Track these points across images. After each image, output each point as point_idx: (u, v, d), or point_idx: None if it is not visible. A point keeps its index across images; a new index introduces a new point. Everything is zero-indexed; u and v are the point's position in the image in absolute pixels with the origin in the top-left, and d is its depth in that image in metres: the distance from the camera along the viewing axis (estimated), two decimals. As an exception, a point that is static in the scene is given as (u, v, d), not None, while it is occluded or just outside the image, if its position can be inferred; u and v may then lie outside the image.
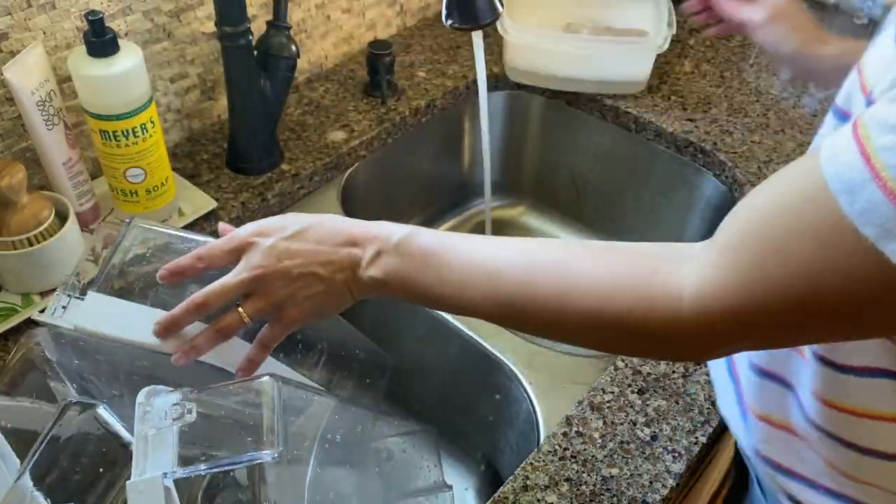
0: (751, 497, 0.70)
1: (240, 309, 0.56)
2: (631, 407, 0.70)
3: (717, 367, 0.66)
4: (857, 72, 0.45)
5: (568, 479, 0.65)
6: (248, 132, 0.91)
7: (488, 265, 0.51)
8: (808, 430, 0.55)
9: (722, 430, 0.70)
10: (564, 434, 0.68)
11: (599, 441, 0.67)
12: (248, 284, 0.55)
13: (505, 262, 0.50)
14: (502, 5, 0.79)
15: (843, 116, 0.47)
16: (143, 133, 0.78)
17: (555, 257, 0.50)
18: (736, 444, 0.71)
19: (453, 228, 1.23)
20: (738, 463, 0.74)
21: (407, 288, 0.54)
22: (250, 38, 0.84)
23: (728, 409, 0.64)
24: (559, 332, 0.51)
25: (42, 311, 0.62)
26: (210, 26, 0.93)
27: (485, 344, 0.80)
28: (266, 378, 0.54)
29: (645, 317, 0.45)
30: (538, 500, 0.63)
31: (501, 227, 1.24)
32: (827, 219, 0.38)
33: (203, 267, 0.57)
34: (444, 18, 0.78)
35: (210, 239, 0.63)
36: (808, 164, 0.40)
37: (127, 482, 0.49)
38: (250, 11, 0.88)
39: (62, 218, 0.77)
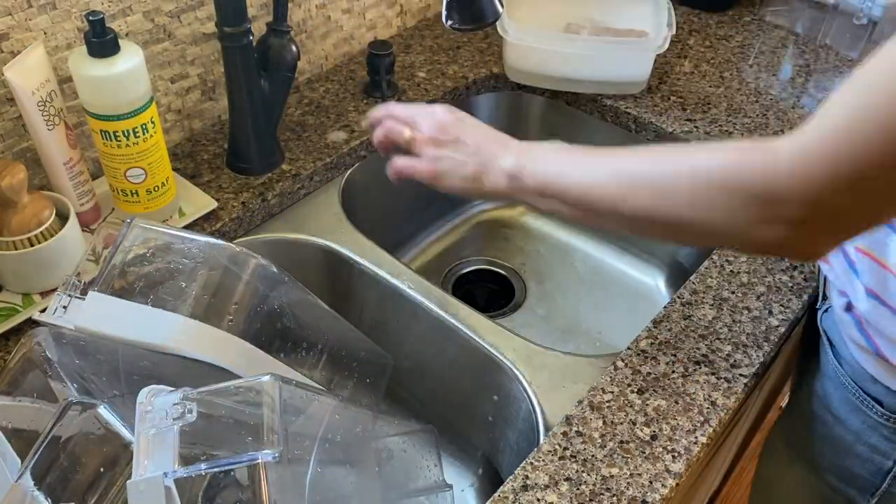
0: (823, 375, 0.76)
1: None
2: (631, 406, 0.70)
3: None
4: None
5: (568, 479, 0.65)
6: (249, 132, 0.91)
7: (594, 166, 0.58)
8: None
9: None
10: (564, 434, 0.68)
11: (599, 441, 0.67)
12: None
13: (610, 160, 0.58)
14: (502, 5, 0.79)
15: None
16: (143, 133, 0.79)
17: (661, 150, 0.56)
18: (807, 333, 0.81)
19: (453, 229, 1.23)
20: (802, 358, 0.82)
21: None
22: (251, 38, 0.84)
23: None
24: (662, 203, 0.55)
25: (43, 310, 0.62)
26: (210, 27, 0.94)
27: (485, 344, 0.80)
28: (266, 378, 0.54)
29: (742, 169, 0.49)
30: (538, 500, 0.63)
31: (501, 227, 1.24)
32: None
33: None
34: (444, 19, 0.78)
35: (211, 239, 0.64)
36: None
37: (127, 482, 0.49)
38: (250, 12, 0.88)
39: (63, 218, 0.77)
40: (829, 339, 0.75)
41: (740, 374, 0.73)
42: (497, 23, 1.00)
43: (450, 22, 0.78)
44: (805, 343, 0.83)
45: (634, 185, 0.55)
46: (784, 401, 0.97)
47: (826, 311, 0.76)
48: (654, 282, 1.16)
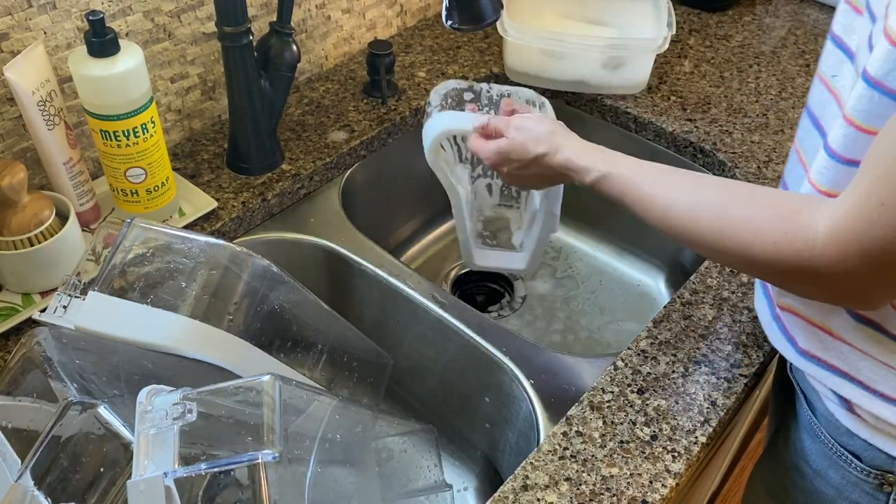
0: (799, 425, 0.73)
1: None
2: (631, 406, 0.70)
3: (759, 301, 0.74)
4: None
5: (568, 479, 0.65)
6: (249, 132, 0.91)
7: (662, 208, 0.62)
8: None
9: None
10: (564, 434, 0.68)
11: (599, 441, 0.67)
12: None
13: (675, 204, 0.61)
14: (502, 6, 0.79)
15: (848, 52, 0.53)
16: (143, 133, 0.79)
17: (717, 197, 0.59)
18: (775, 380, 0.80)
19: (453, 228, 1.22)
20: (780, 400, 0.80)
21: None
22: (251, 38, 0.84)
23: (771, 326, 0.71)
24: (721, 259, 0.62)
25: (43, 310, 0.62)
26: (210, 26, 0.94)
27: (485, 344, 0.80)
28: (266, 378, 0.54)
29: (786, 250, 0.53)
30: (538, 500, 0.63)
31: (501, 227, 1.24)
32: None
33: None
34: (444, 19, 0.78)
35: (211, 239, 0.64)
36: None
37: (128, 482, 0.49)
38: (250, 11, 0.88)
39: (63, 218, 0.77)
40: (801, 389, 0.72)
41: (740, 374, 0.73)
42: (497, 22, 1.00)
43: (450, 22, 0.78)
44: (779, 389, 0.80)
45: (687, 239, 0.61)
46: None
47: None
48: (654, 282, 1.16)
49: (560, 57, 1.07)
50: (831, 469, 0.69)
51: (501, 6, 0.79)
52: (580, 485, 0.64)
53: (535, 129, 0.72)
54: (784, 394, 0.77)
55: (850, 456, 0.66)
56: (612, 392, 0.71)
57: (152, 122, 0.79)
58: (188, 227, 0.86)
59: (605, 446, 0.67)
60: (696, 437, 0.68)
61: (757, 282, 0.75)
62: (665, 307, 0.80)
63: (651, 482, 0.65)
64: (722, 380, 0.73)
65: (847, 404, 0.64)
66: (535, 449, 0.67)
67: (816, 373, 0.66)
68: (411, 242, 1.19)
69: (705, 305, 0.80)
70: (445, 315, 0.83)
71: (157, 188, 0.83)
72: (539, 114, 0.81)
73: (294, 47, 0.89)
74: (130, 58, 0.75)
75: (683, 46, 1.21)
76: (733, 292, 0.81)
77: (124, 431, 0.55)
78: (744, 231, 0.56)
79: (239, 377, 0.61)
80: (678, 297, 0.81)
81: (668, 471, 0.66)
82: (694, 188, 0.62)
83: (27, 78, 0.73)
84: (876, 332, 0.60)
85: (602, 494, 0.64)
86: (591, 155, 0.69)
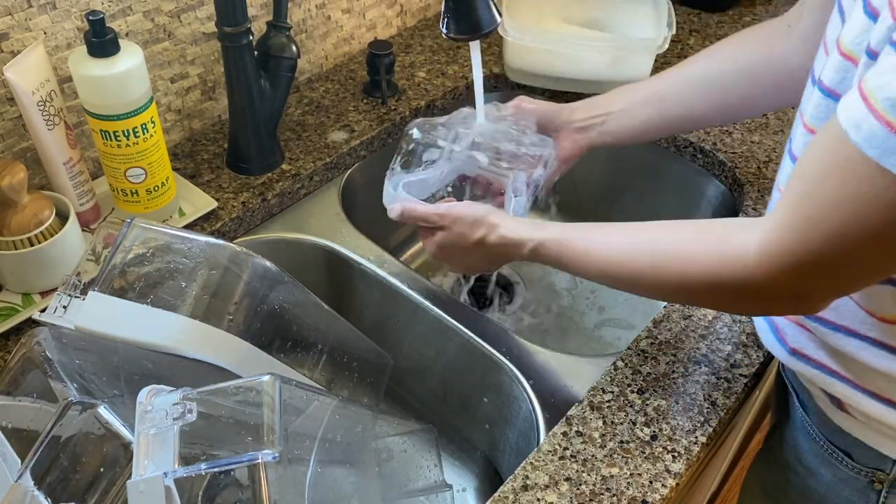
0: (793, 424, 0.73)
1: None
2: (631, 406, 0.70)
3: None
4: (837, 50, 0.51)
5: (568, 479, 0.65)
6: (249, 132, 0.91)
7: (597, 259, 0.64)
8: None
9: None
10: (564, 434, 0.68)
11: (599, 441, 0.67)
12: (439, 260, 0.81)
13: (609, 252, 0.64)
14: (500, 14, 0.78)
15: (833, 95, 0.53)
16: (143, 133, 0.79)
17: (648, 236, 0.62)
18: (775, 383, 0.81)
19: (453, 228, 1.22)
20: (776, 404, 0.80)
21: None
22: (251, 38, 0.84)
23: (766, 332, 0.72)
24: (661, 296, 0.65)
25: (43, 310, 0.62)
26: (210, 26, 0.94)
27: (485, 344, 0.80)
28: (266, 378, 0.54)
29: (720, 274, 0.55)
30: (538, 500, 0.63)
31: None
32: (843, 155, 0.44)
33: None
34: (441, 28, 0.78)
35: (211, 239, 0.64)
36: (831, 133, 0.46)
37: (128, 482, 0.49)
38: (250, 11, 0.88)
39: (63, 218, 0.77)
40: (793, 388, 0.73)
41: (740, 374, 0.73)
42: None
43: (446, 31, 0.77)
44: (777, 388, 0.81)
45: (627, 282, 0.64)
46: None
47: None
48: (654, 282, 1.16)
49: (560, 57, 1.07)
50: (823, 467, 0.69)
51: (500, 15, 0.78)
52: (580, 485, 0.64)
53: (471, 215, 0.74)
54: (780, 393, 0.77)
55: (841, 454, 0.67)
56: (612, 392, 0.71)
57: (152, 122, 0.79)
58: (188, 227, 0.86)
59: (605, 446, 0.67)
60: (696, 437, 0.68)
61: None
62: (665, 307, 0.80)
63: (651, 482, 0.65)
64: (722, 380, 0.73)
65: (838, 403, 0.65)
66: (535, 449, 0.67)
67: (807, 372, 0.66)
68: (411, 242, 1.19)
69: (705, 305, 0.80)
70: (445, 315, 0.83)
71: (157, 188, 0.83)
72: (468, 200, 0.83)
73: (294, 47, 0.89)
74: (130, 58, 0.75)
75: (683, 46, 1.20)
76: (733, 292, 0.81)
77: (124, 431, 0.55)
78: (678, 262, 0.58)
79: (239, 377, 0.61)
80: (678, 297, 0.81)
81: (668, 471, 0.66)
82: (624, 234, 0.64)
83: (27, 78, 0.73)
84: (854, 339, 0.60)
85: (602, 494, 0.64)
86: (523, 227, 0.71)
